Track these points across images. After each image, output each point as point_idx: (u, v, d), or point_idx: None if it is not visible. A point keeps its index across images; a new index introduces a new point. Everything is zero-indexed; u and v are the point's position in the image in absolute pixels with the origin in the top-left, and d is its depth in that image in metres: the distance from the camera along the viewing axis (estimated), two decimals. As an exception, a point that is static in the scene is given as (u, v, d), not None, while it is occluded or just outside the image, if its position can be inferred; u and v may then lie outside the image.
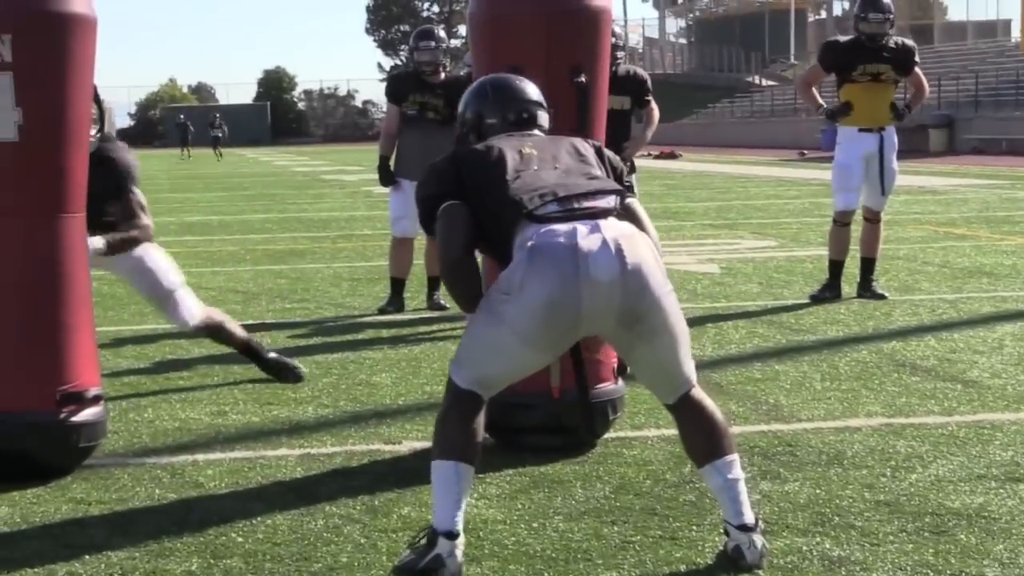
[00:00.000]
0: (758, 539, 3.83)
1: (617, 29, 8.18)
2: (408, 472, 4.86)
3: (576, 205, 3.80)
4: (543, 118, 4.21)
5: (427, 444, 3.93)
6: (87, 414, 5.01)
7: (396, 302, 9.25)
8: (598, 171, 4.01)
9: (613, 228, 3.75)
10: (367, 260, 12.73)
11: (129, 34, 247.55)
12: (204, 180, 33.30)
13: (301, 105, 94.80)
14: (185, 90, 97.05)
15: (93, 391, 5.06)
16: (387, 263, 9.69)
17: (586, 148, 4.10)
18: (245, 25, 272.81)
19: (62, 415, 4.93)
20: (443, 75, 9.21)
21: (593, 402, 5.10)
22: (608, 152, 4.17)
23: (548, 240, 3.70)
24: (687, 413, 3.94)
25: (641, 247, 3.75)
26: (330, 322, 8.83)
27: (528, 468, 4.93)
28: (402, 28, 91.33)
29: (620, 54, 8.86)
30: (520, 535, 4.18)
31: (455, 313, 8.56)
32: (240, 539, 4.20)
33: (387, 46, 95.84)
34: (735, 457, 3.91)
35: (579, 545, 4.07)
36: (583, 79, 5.14)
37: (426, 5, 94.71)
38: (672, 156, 40.18)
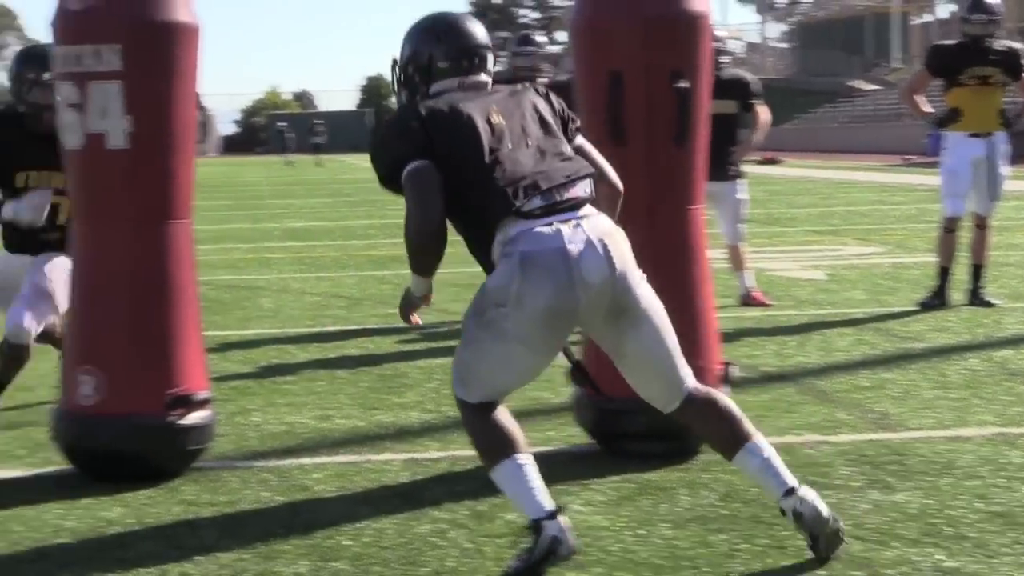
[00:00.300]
0: (805, 492, 3.86)
1: (720, 33, 8.13)
2: (512, 478, 4.84)
3: (557, 198, 3.85)
4: (491, 60, 4.16)
5: (533, 450, 3.92)
6: (195, 417, 5.07)
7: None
8: (565, 145, 4.00)
9: (595, 226, 3.83)
10: (469, 265, 12.68)
11: (232, 42, 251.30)
12: (305, 186, 33.62)
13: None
14: (288, 97, 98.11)
15: (201, 395, 5.12)
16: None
17: (545, 107, 4.04)
18: (348, 32, 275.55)
19: (171, 418, 5.00)
20: (544, 79, 9.22)
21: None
22: (554, 97, 4.12)
23: (537, 248, 3.75)
24: (701, 411, 3.97)
25: (622, 244, 3.87)
26: (433, 327, 8.85)
27: (633, 475, 4.90)
28: (501, 35, 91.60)
29: (725, 58, 8.81)
30: (626, 542, 4.16)
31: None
32: (347, 542, 4.23)
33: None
34: (759, 434, 3.94)
35: (685, 553, 4.04)
36: (684, 84, 5.11)
37: (524, 12, 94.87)
38: (774, 162, 39.72)
